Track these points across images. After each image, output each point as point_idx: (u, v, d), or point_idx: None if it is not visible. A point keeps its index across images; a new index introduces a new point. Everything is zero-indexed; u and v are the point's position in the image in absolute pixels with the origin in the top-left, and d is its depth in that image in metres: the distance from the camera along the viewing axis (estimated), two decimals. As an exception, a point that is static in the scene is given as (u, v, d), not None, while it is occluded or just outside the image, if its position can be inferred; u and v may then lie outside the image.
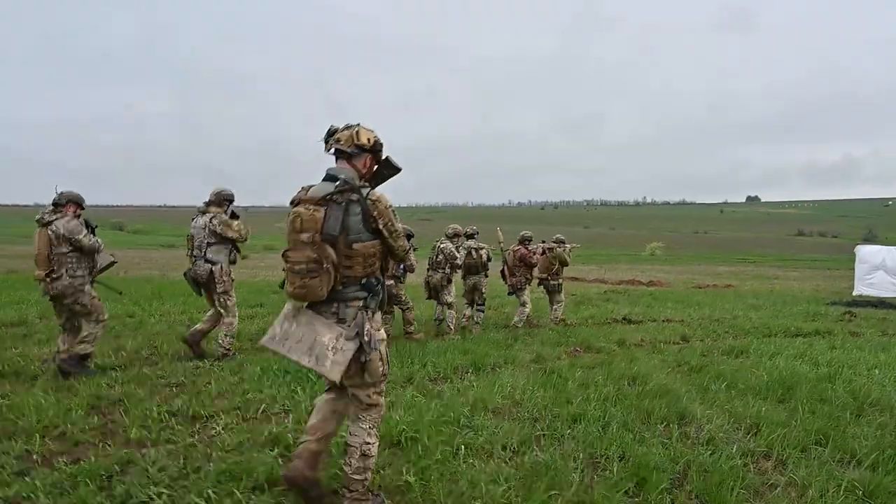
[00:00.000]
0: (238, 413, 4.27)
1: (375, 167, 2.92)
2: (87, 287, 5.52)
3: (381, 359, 2.78)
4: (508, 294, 9.66)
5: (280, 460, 3.36)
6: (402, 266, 7.50)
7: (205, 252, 6.15)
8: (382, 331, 2.84)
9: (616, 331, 9.29)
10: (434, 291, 8.50)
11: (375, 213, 2.69)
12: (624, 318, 11.05)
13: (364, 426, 2.80)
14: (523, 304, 9.31)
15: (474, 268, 8.82)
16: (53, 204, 5.50)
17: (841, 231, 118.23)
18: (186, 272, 6.27)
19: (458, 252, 8.40)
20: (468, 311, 9.09)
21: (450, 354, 6.43)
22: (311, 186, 2.80)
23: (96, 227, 5.76)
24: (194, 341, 6.22)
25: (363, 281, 2.72)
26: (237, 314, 6.45)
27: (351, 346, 2.62)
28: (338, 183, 2.70)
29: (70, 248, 5.36)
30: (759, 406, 4.64)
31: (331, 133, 2.85)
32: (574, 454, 3.51)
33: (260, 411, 4.32)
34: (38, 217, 5.43)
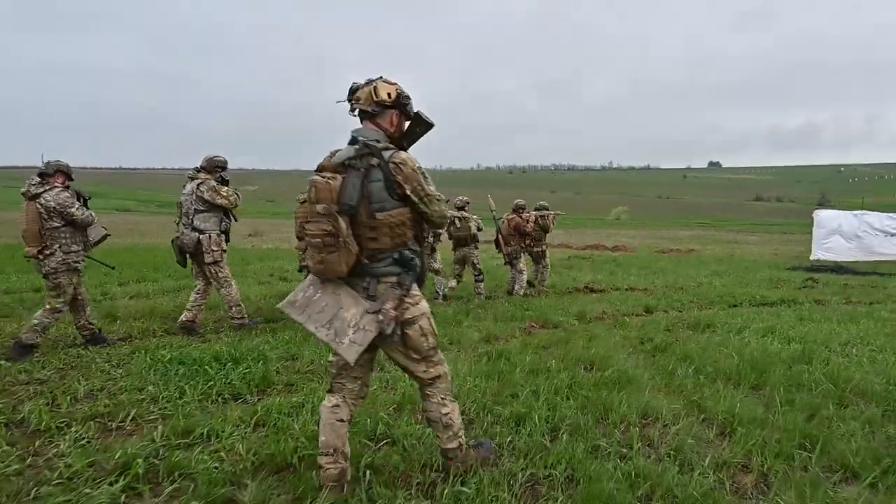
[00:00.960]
0: (99, 422, 3.42)
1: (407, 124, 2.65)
2: (81, 265, 5.23)
3: (424, 333, 2.57)
4: (504, 263, 9.62)
5: (124, 497, 2.54)
6: None
7: (192, 220, 5.87)
8: (423, 303, 2.61)
9: (577, 301, 8.68)
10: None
11: (400, 177, 2.44)
12: (586, 287, 10.50)
13: (435, 400, 2.67)
14: (521, 272, 9.29)
15: (463, 240, 8.68)
16: (39, 175, 5.09)
17: (797, 196, 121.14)
18: (174, 240, 6.01)
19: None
20: (453, 283, 8.89)
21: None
22: (336, 151, 2.56)
23: (89, 198, 5.43)
24: (188, 330, 5.90)
25: (396, 255, 2.49)
26: (233, 282, 6.15)
27: (375, 327, 2.42)
28: (356, 146, 2.47)
29: (62, 222, 5.04)
30: (732, 396, 4.01)
31: (352, 91, 2.60)
32: (510, 476, 2.78)
33: (129, 419, 3.47)
34: (23, 190, 5.04)
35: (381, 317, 2.41)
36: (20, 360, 4.66)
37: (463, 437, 2.73)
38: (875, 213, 20.23)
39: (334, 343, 2.39)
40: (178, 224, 6.01)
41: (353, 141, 2.53)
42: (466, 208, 8.97)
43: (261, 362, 4.68)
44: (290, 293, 2.59)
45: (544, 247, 9.92)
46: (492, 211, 9.02)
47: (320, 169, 2.52)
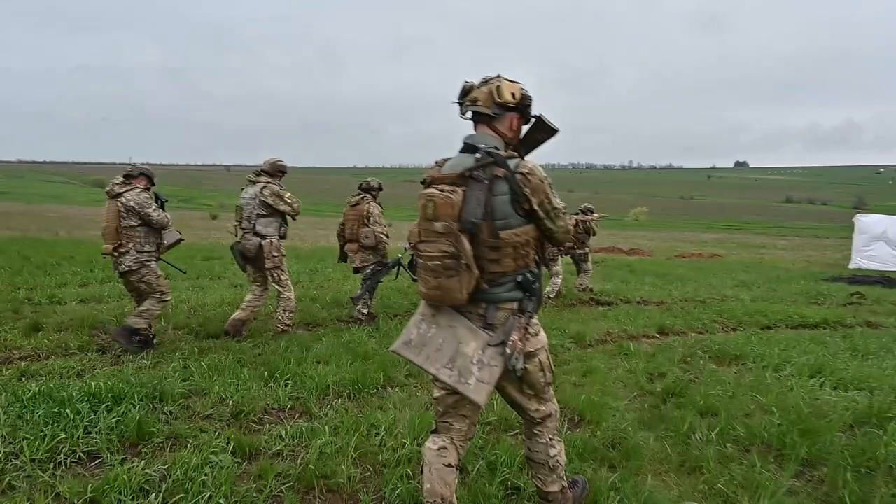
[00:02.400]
0: None
1: (525, 129, 2.32)
2: (153, 264, 5.27)
3: (543, 368, 2.31)
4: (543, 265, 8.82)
5: None
6: None
7: (254, 224, 5.69)
8: (542, 334, 2.31)
9: (579, 317, 7.45)
10: None
11: (528, 189, 2.11)
12: (592, 299, 9.23)
13: (543, 441, 2.39)
14: (556, 275, 9.00)
15: None
16: (124, 175, 5.26)
17: (830, 198, 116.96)
18: (233, 245, 5.87)
19: None
20: None
21: (334, 362, 4.59)
22: (446, 160, 2.28)
23: (167, 201, 5.53)
24: (235, 330, 5.65)
25: (518, 278, 2.16)
26: (292, 288, 6.00)
27: (500, 361, 2.09)
28: (477, 155, 2.12)
29: (139, 221, 5.13)
30: (775, 482, 2.78)
31: (466, 91, 2.27)
32: None
33: None
34: (107, 188, 5.22)
35: (507, 350, 2.08)
36: (128, 346, 4.95)
37: (565, 478, 2.47)
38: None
39: (460, 385, 2.07)
40: (237, 228, 5.81)
41: (468, 148, 2.22)
42: None
43: (138, 406, 3.54)
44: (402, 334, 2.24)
45: (587, 250, 9.73)
46: None
47: (432, 181, 2.20)
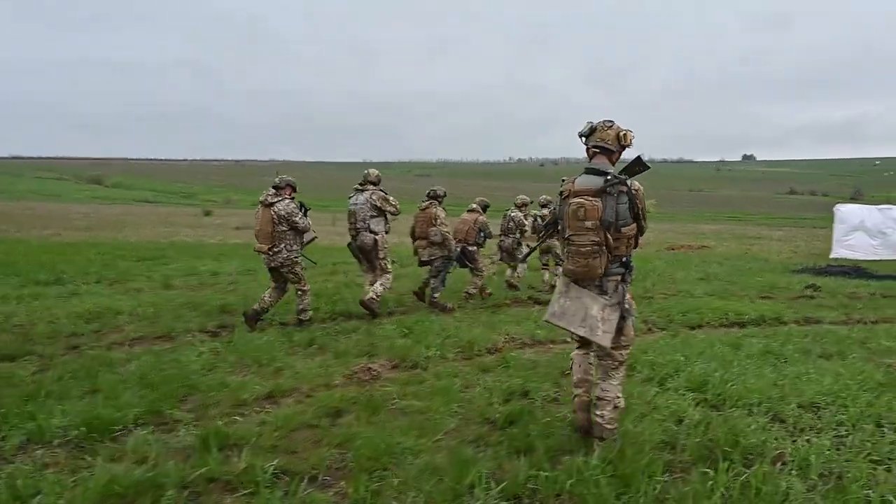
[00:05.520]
0: None
1: (628, 163, 3.20)
2: (300, 259, 6.37)
3: (633, 324, 3.32)
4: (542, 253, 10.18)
5: None
6: (482, 233, 8.28)
7: (368, 224, 6.91)
8: (632, 298, 3.31)
9: (503, 319, 6.93)
10: (507, 254, 9.39)
11: (638, 201, 3.15)
12: (530, 298, 8.68)
13: (615, 382, 3.27)
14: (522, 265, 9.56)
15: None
16: (274, 187, 6.21)
17: (830, 189, 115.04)
18: (350, 243, 7.13)
19: (526, 220, 9.37)
20: (509, 272, 9.58)
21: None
22: (574, 178, 3.28)
23: (309, 209, 6.50)
24: (370, 308, 6.79)
25: (623, 259, 3.20)
26: (391, 271, 7.21)
27: (615, 315, 3.12)
28: (608, 178, 3.11)
29: (288, 226, 6.15)
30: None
31: (593, 129, 3.26)
32: None
33: None
34: (261, 198, 6.20)
35: (626, 305, 3.21)
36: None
37: (618, 424, 3.30)
38: (903, 207, 17.84)
39: (592, 336, 3.07)
40: (352, 229, 7.01)
41: (592, 171, 3.20)
42: (550, 205, 9.69)
43: None
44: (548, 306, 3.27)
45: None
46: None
47: (571, 193, 3.20)
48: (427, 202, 7.79)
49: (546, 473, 2.91)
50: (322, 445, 3.41)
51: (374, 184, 7.07)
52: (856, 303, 8.70)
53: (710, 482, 2.85)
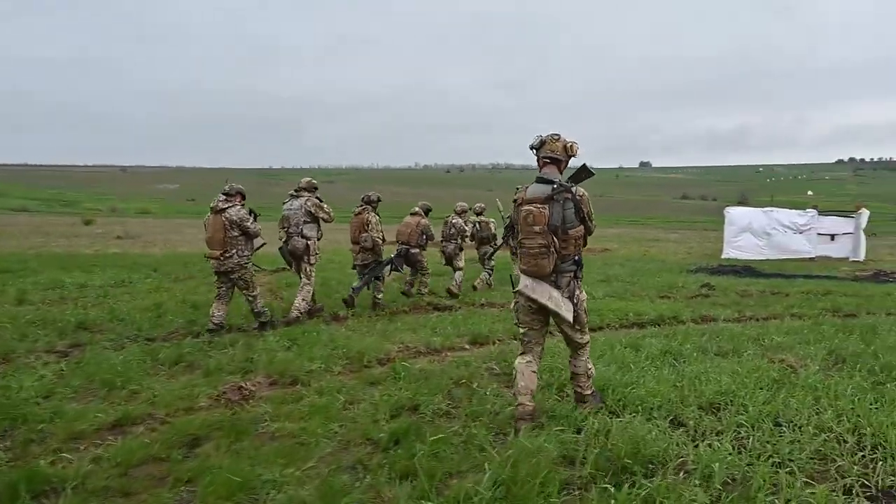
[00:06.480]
0: None
1: (574, 171, 3.64)
2: (249, 265, 6.40)
3: (584, 311, 3.64)
4: (512, 254, 10.27)
5: None
6: (424, 236, 8.40)
7: (301, 229, 6.98)
8: (584, 293, 3.65)
9: (392, 327, 6.45)
10: (448, 259, 9.46)
11: (583, 206, 3.51)
12: (430, 304, 8.31)
13: (583, 358, 3.72)
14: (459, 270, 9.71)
15: (486, 239, 10.09)
16: (224, 193, 6.30)
17: (719, 194, 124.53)
18: (282, 247, 7.13)
19: (466, 226, 9.64)
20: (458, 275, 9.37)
21: None
22: (526, 187, 3.66)
23: (259, 215, 6.53)
24: (313, 313, 7.08)
25: (576, 257, 3.55)
26: (313, 279, 7.20)
27: (570, 304, 3.50)
28: (555, 186, 3.48)
29: (240, 232, 6.20)
30: None
31: (543, 142, 3.61)
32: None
33: None
34: (212, 205, 6.21)
35: (574, 300, 3.54)
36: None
37: (594, 387, 3.81)
38: (784, 209, 19.27)
39: (558, 309, 3.44)
40: (284, 233, 7.06)
41: (542, 180, 3.55)
42: (483, 213, 10.38)
43: None
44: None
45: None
46: (500, 212, 9.39)
47: (524, 201, 3.55)
48: (360, 207, 7.96)
49: (429, 503, 2.51)
50: (166, 483, 2.83)
51: (308, 191, 7.23)
52: (747, 300, 9.05)
53: (612, 499, 2.57)
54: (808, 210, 18.65)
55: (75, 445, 3.29)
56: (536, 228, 3.39)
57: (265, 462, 2.95)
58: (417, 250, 8.39)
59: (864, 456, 3.12)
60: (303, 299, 6.89)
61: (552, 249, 3.37)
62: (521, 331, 3.68)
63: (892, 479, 2.91)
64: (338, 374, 4.63)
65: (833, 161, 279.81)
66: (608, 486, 2.68)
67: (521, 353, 3.65)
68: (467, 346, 5.82)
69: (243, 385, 4.12)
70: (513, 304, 3.76)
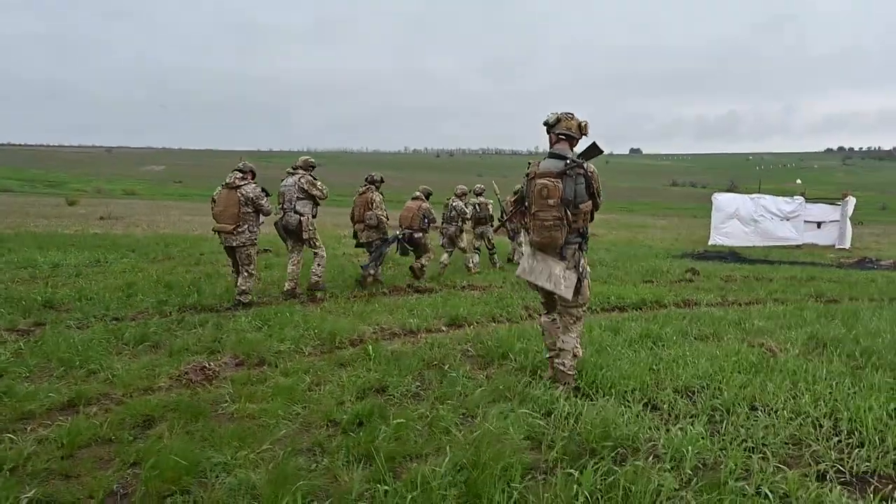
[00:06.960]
0: None
1: (585, 148, 3.74)
2: (256, 241, 6.62)
3: (589, 285, 3.85)
4: (510, 238, 11.13)
5: None
6: (426, 219, 8.48)
7: (294, 205, 7.19)
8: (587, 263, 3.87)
9: (370, 308, 6.29)
10: (450, 240, 9.71)
11: (594, 181, 3.69)
12: (409, 285, 8.17)
13: (573, 335, 3.81)
14: (520, 244, 9.97)
15: (483, 220, 10.42)
16: (239, 170, 6.58)
17: (709, 181, 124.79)
18: (277, 223, 7.31)
19: (467, 208, 9.90)
20: (445, 257, 9.64)
21: None
22: (538, 162, 3.84)
23: (270, 194, 6.78)
24: (292, 295, 7.07)
25: (581, 230, 3.74)
26: (324, 248, 7.53)
27: (573, 276, 3.69)
28: (567, 161, 3.65)
29: (253, 209, 6.51)
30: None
31: (558, 120, 3.75)
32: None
33: None
34: (228, 181, 6.50)
35: (580, 269, 3.73)
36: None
37: (575, 371, 3.85)
38: (771, 196, 19.26)
39: (556, 289, 3.64)
40: (280, 209, 7.24)
41: (555, 156, 3.74)
42: (483, 194, 10.63)
43: None
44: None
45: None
46: (496, 194, 9.86)
47: (537, 175, 3.71)
48: (365, 187, 8.27)
49: (385, 487, 2.40)
50: (111, 466, 2.70)
51: (304, 169, 7.41)
52: (731, 285, 9.00)
53: (576, 485, 2.47)
54: (795, 197, 18.69)
55: (22, 426, 3.14)
56: (551, 202, 3.55)
57: (219, 444, 2.83)
58: (420, 234, 8.49)
59: (839, 441, 3.05)
60: (318, 264, 7.33)
61: (565, 222, 3.56)
62: (542, 299, 4.05)
63: (868, 464, 2.83)
64: (307, 356, 4.49)
65: (822, 150, 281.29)
66: (572, 471, 2.57)
67: (546, 313, 4.02)
68: (444, 329, 5.69)
69: (206, 365, 3.97)
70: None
